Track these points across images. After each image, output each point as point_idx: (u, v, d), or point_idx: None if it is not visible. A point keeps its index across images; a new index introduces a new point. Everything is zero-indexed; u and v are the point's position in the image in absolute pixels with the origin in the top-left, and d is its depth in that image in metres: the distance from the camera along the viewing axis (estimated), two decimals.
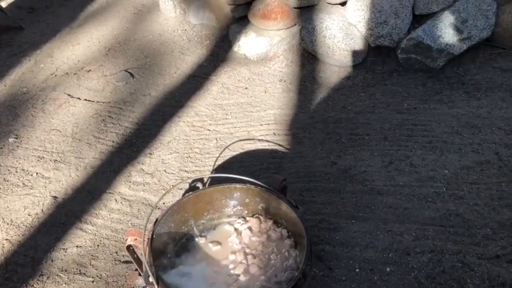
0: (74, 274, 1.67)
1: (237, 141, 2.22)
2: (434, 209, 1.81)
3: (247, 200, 1.62)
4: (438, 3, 2.51)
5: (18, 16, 3.59)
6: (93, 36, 3.23)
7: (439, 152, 2.06)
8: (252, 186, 1.58)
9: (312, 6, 2.70)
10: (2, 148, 2.28)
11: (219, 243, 1.57)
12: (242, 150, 2.18)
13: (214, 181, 1.93)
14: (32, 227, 1.87)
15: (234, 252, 1.52)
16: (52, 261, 1.73)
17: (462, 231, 1.70)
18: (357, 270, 1.60)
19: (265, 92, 2.57)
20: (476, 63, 2.58)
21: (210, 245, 1.56)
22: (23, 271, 1.70)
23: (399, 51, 2.56)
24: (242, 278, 1.43)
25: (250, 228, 1.58)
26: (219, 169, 2.08)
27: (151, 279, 1.29)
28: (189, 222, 1.59)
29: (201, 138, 2.29)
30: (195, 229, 1.60)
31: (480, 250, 1.63)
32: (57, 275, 1.67)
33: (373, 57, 2.68)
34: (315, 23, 2.64)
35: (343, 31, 2.59)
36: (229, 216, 1.65)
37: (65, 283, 1.64)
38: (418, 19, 2.57)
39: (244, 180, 1.57)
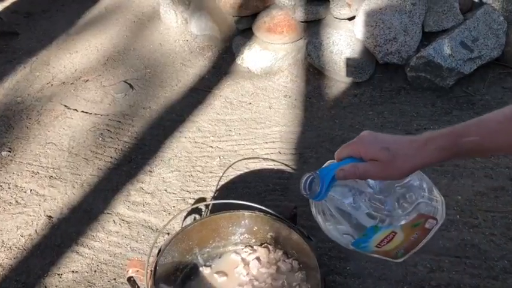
0: None
1: (241, 160, 2.14)
2: (449, 238, 1.73)
3: (255, 228, 1.53)
4: (448, 21, 2.45)
5: (13, 21, 3.49)
6: (91, 44, 3.13)
7: (450, 176, 1.99)
8: (261, 214, 1.49)
9: (319, 20, 2.63)
10: None
11: (225, 274, 1.48)
12: (247, 170, 2.10)
13: (219, 205, 1.84)
14: (24, 249, 1.77)
15: (241, 285, 1.43)
16: (46, 287, 1.63)
17: (479, 264, 1.63)
18: None
19: (270, 108, 2.49)
20: (485, 83, 2.52)
21: (216, 275, 1.47)
22: None
23: (408, 69, 2.49)
24: None
25: (258, 259, 1.49)
26: (223, 189, 1.99)
27: None
28: (194, 251, 1.50)
29: (204, 156, 2.20)
30: (199, 258, 1.51)
31: (499, 285, 1.55)
32: None
33: (380, 74, 2.62)
34: (322, 37, 2.57)
35: (351, 47, 2.53)
36: (236, 244, 1.56)
37: None
38: (428, 36, 2.51)
39: (253, 207, 1.48)
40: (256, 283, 1.43)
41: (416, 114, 2.38)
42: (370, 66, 2.58)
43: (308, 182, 0.87)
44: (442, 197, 0.93)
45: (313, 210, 0.94)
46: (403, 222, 0.89)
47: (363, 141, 0.82)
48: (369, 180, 0.86)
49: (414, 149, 0.80)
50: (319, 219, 0.93)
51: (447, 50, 2.40)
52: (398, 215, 0.89)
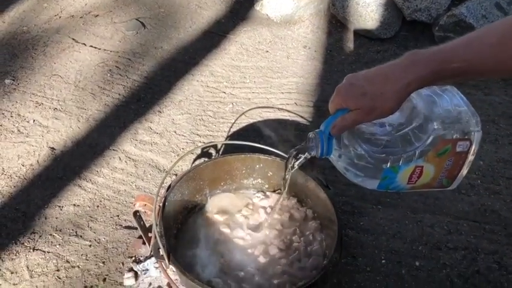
0: (70, 235, 1.50)
1: (255, 108, 2.04)
2: (468, 202, 1.65)
3: (270, 174, 1.45)
4: None
5: None
6: None
7: None
8: (278, 159, 1.41)
9: None
10: None
11: (226, 213, 1.40)
12: (260, 119, 2.00)
13: (231, 150, 1.76)
14: (25, 179, 1.69)
15: (241, 227, 1.36)
16: (46, 218, 1.56)
17: (498, 230, 1.56)
18: (383, 261, 1.46)
19: (288, 58, 2.37)
20: None
21: (217, 216, 1.39)
22: (13, 226, 1.53)
23: (436, 28, 2.36)
24: (261, 259, 1.27)
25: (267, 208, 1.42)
26: (234, 136, 1.90)
27: (161, 251, 1.13)
28: (204, 191, 1.42)
29: (216, 101, 2.10)
30: (209, 199, 1.44)
31: None
32: (51, 235, 1.51)
33: (406, 32, 2.49)
34: None
35: (378, 0, 2.39)
36: (248, 188, 1.48)
37: (59, 244, 1.47)
38: None
39: (270, 151, 1.40)
40: (261, 224, 1.36)
41: None
42: (396, 23, 2.45)
43: (312, 139, 0.92)
44: (473, 111, 0.88)
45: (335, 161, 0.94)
46: (423, 155, 0.87)
47: (341, 92, 0.81)
48: (367, 124, 0.87)
49: (393, 81, 0.77)
50: (343, 168, 0.94)
51: (481, 10, 2.26)
52: (413, 149, 0.87)
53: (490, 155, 1.84)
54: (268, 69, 2.29)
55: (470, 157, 0.91)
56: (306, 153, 0.99)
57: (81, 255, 1.44)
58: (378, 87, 0.78)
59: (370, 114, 0.80)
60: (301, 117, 2.01)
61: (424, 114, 0.87)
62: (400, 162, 0.87)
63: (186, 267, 1.18)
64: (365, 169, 0.89)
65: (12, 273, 1.38)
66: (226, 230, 1.35)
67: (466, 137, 0.88)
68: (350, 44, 2.47)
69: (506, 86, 2.20)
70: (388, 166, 0.87)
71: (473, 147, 0.91)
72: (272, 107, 2.06)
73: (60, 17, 2.63)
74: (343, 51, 2.43)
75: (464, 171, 0.93)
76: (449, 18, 2.29)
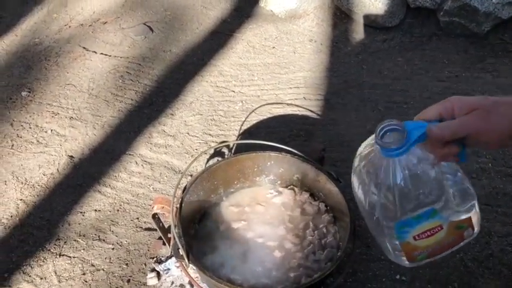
0: (93, 240, 1.57)
1: (264, 105, 2.07)
2: (480, 186, 1.67)
3: (281, 170, 1.49)
4: None
5: None
6: None
7: None
8: (288, 155, 1.45)
9: None
10: (14, 102, 2.15)
11: (241, 206, 1.45)
12: (270, 115, 2.04)
13: (243, 148, 1.80)
14: (47, 188, 1.76)
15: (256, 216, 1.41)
16: (69, 225, 1.63)
17: (511, 212, 1.57)
18: None
19: (294, 53, 2.40)
20: None
21: (232, 207, 1.44)
22: (38, 234, 1.60)
23: (441, 13, 2.36)
24: (277, 253, 1.31)
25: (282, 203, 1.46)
26: (245, 134, 1.94)
27: (181, 251, 1.18)
28: (219, 191, 1.47)
29: (226, 100, 2.14)
30: (224, 198, 1.48)
31: None
32: (75, 240, 1.57)
33: (411, 19, 2.49)
34: None
35: None
36: (261, 185, 1.53)
37: (83, 249, 1.54)
38: None
39: (280, 148, 1.43)
40: (275, 219, 1.41)
41: (448, 61, 2.28)
42: (401, 11, 2.45)
43: (385, 131, 0.72)
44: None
45: (356, 177, 0.83)
46: (453, 218, 0.81)
47: (454, 98, 0.72)
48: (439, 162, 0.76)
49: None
50: (359, 188, 0.83)
51: None
52: (453, 208, 0.80)
53: None
54: (276, 65, 2.32)
55: (456, 248, 0.87)
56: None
57: (105, 258, 1.51)
58: (497, 103, 0.70)
59: (485, 122, 0.69)
60: (311, 111, 2.04)
61: (469, 187, 0.83)
62: (442, 211, 0.79)
63: (205, 265, 1.23)
64: (406, 196, 0.76)
65: (41, 279, 1.45)
66: (242, 227, 1.40)
67: (475, 228, 0.85)
68: (355, 35, 2.48)
69: None
70: (434, 207, 0.78)
71: (466, 240, 0.86)
72: (281, 103, 2.10)
73: (70, 27, 2.69)
74: (349, 42, 2.44)
75: (439, 256, 0.87)
76: (454, 3, 2.29)
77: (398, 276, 1.42)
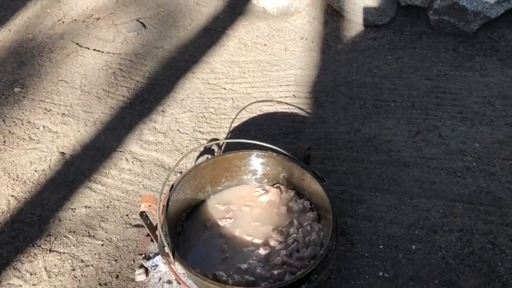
0: (83, 236, 1.59)
1: (254, 103, 2.10)
2: (464, 184, 1.70)
3: (268, 169, 1.52)
4: None
5: None
6: None
7: (469, 123, 1.94)
8: (274, 154, 1.47)
9: None
10: (7, 98, 2.16)
11: (229, 204, 1.48)
12: (260, 112, 2.07)
13: (232, 145, 1.82)
14: (38, 184, 1.78)
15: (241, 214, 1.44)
16: (60, 221, 1.65)
17: (493, 210, 1.61)
18: (381, 246, 1.52)
19: (285, 50, 2.42)
20: None
21: (218, 205, 1.47)
22: (29, 230, 1.62)
23: (431, 12, 2.38)
24: (261, 251, 1.34)
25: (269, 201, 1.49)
26: (235, 131, 1.97)
27: (166, 249, 1.21)
28: (206, 189, 1.50)
29: (217, 97, 2.16)
30: (211, 196, 1.51)
31: None
32: (65, 236, 1.60)
33: (401, 17, 2.51)
34: None
35: None
36: (247, 183, 1.56)
37: (73, 245, 1.57)
38: None
39: (266, 147, 1.46)
40: (261, 217, 1.44)
41: (437, 59, 2.30)
42: (392, 9, 2.47)
43: None
44: None
45: None
46: None
47: None
48: None
49: None
50: None
51: None
52: None
53: (485, 137, 1.87)
54: (267, 63, 2.34)
55: None
56: None
57: (95, 254, 1.53)
58: None
59: None
60: (300, 109, 2.07)
61: None
62: None
63: (191, 262, 1.26)
64: None
65: (31, 274, 1.48)
66: (228, 224, 1.43)
67: None
68: (346, 32, 2.50)
69: (502, 66, 2.22)
70: None
71: None
72: (271, 100, 2.12)
73: (63, 22, 2.70)
74: (339, 40, 2.46)
75: None
76: (443, 2, 2.31)
77: (381, 273, 1.45)
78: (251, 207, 1.48)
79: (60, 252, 1.54)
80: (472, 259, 1.47)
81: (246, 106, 2.07)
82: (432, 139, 1.88)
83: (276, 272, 1.29)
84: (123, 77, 2.29)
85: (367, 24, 2.49)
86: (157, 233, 1.37)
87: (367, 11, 2.44)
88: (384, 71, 2.25)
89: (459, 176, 1.73)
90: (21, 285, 1.44)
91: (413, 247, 1.51)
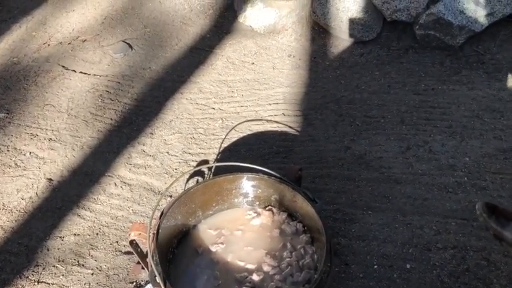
0: (72, 265, 1.56)
1: (244, 122, 2.09)
2: (456, 200, 1.70)
3: (259, 191, 1.50)
4: None
5: None
6: (88, 2, 3.02)
7: (459, 137, 1.94)
8: (265, 176, 1.46)
9: None
10: None
11: (220, 229, 1.46)
12: (250, 132, 2.05)
13: (222, 167, 1.80)
14: (25, 212, 1.74)
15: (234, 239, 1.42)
16: (48, 250, 1.61)
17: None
18: (375, 266, 1.50)
19: (274, 68, 2.42)
20: (497, 42, 2.43)
21: (210, 230, 1.44)
22: (16, 260, 1.58)
23: (417, 27, 2.40)
24: (255, 277, 1.32)
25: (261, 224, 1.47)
26: (225, 152, 1.95)
27: (158, 279, 1.18)
28: (197, 214, 1.47)
29: (206, 118, 2.15)
30: (202, 221, 1.49)
31: None
32: (54, 266, 1.56)
33: (387, 32, 2.52)
34: None
35: (358, 4, 2.42)
36: (239, 207, 1.53)
37: (62, 275, 1.53)
38: None
39: (257, 169, 1.45)
40: (253, 241, 1.41)
41: (425, 74, 2.31)
42: (378, 25, 2.49)
43: None
44: None
45: None
46: None
47: None
48: None
49: None
50: None
51: (458, 7, 2.30)
52: None
53: (475, 151, 1.88)
54: (255, 82, 2.34)
55: None
56: None
57: (84, 284, 1.50)
58: None
59: None
60: (290, 127, 2.06)
61: None
62: None
63: None
64: None
65: None
66: (220, 250, 1.40)
67: None
68: (333, 49, 2.51)
69: (489, 79, 2.23)
70: None
71: None
72: (261, 119, 2.11)
73: (49, 45, 2.68)
74: (327, 57, 2.47)
75: None
76: (428, 17, 2.33)
77: None
78: (243, 231, 1.45)
79: (48, 283, 1.50)
80: (468, 276, 1.46)
81: (236, 126, 2.05)
82: (423, 155, 1.88)
83: None
84: (111, 99, 2.27)
85: (354, 40, 2.50)
86: (148, 260, 1.34)
87: (353, 27, 2.45)
88: (372, 87, 2.25)
89: (451, 191, 1.73)
90: None
91: (408, 266, 1.50)
